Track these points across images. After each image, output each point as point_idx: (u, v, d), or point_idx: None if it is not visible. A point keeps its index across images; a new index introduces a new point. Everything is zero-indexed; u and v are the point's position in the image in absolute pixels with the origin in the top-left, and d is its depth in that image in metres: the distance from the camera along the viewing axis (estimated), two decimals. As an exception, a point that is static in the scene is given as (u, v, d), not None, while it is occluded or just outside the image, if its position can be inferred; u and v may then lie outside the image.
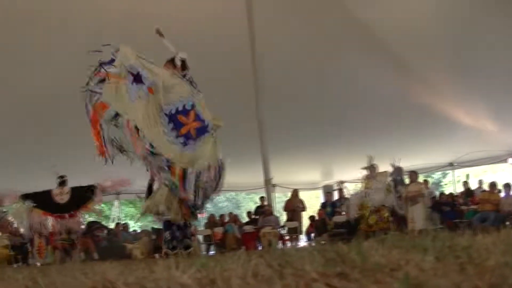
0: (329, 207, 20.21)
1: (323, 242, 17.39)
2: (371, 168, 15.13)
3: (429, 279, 1.68)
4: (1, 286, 2.38)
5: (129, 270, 2.79)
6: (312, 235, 20.27)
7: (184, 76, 7.72)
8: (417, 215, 14.96)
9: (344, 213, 18.32)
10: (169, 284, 1.74)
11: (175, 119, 7.54)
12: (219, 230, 19.05)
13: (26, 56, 16.25)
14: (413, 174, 16.13)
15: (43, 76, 16.41)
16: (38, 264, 15.06)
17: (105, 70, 7.53)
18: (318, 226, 19.86)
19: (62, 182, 13.78)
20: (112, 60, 7.61)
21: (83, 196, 13.70)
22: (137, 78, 7.46)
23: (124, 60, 7.56)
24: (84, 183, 13.82)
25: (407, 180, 16.18)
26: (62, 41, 16.10)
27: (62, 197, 13.73)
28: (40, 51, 16.20)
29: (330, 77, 18.94)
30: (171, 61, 7.68)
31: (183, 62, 7.76)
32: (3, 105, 16.77)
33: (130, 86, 7.43)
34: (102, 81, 7.52)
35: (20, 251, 17.16)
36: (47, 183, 14.45)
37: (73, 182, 14.03)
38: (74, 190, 13.80)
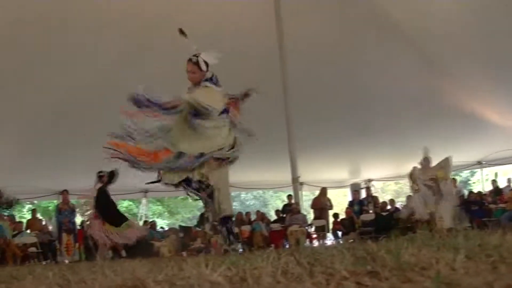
0: (357, 205, 20.17)
1: (351, 240, 17.38)
2: (426, 160, 14.81)
3: (461, 278, 1.67)
4: (33, 283, 2.39)
5: (158, 268, 2.79)
6: (339, 233, 20.22)
7: (206, 79, 7.57)
8: (445, 214, 14.84)
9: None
10: (199, 282, 1.74)
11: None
12: (246, 228, 19.04)
13: (61, 57, 16.40)
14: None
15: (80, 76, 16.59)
16: (66, 261, 15.17)
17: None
18: (345, 224, 19.81)
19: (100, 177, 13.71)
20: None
21: None
22: None
23: None
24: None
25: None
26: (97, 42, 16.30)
27: None
28: (74, 52, 16.37)
29: (358, 74, 18.92)
30: (196, 64, 7.52)
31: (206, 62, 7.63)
32: (40, 105, 16.94)
33: None
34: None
35: (48, 248, 17.28)
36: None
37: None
38: None
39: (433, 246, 2.51)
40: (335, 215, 20.79)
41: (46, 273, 3.09)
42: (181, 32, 7.51)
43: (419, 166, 14.49)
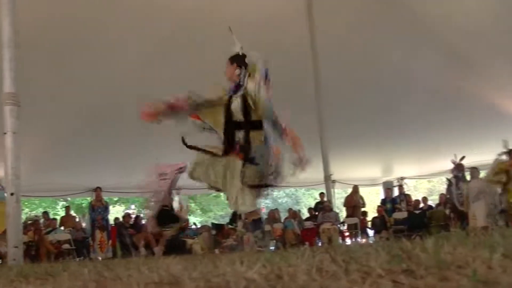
0: (389, 203, 20.09)
1: (385, 237, 17.30)
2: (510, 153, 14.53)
3: (499, 276, 1.66)
4: (69, 280, 2.41)
5: (192, 265, 2.80)
6: (371, 231, 20.17)
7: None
8: (479, 212, 14.72)
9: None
10: (235, 279, 1.75)
11: None
12: (278, 226, 19.04)
13: (97, 56, 16.55)
14: (475, 170, 15.85)
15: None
16: (99, 258, 15.27)
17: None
18: (377, 223, 19.74)
19: None
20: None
21: None
22: None
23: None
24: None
25: (468, 177, 15.97)
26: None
27: None
28: (110, 52, 16.51)
29: (389, 72, 18.86)
30: (236, 59, 7.46)
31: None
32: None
33: None
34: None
35: (82, 245, 17.41)
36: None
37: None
38: None
39: (469, 245, 2.49)
40: (363, 213, 20.74)
41: (81, 270, 3.11)
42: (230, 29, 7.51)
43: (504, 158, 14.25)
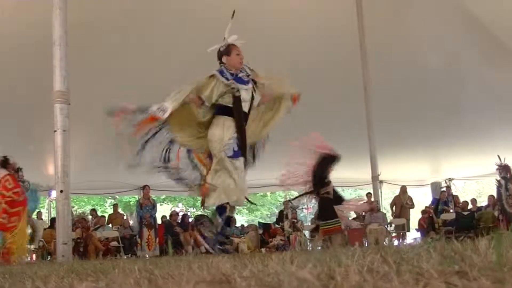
0: (441, 205, 19.91)
1: (433, 238, 17.16)
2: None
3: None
4: (121, 277, 2.43)
5: (241, 264, 2.80)
6: (419, 232, 20.04)
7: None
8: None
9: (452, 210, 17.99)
10: (287, 278, 1.75)
11: None
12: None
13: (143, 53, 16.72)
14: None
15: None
16: (147, 256, 15.37)
17: None
18: (425, 223, 19.60)
19: None
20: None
21: None
22: None
23: None
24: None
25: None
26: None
27: None
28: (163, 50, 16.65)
29: (437, 72, 18.69)
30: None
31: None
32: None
33: None
34: None
35: (129, 243, 17.56)
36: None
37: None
38: None
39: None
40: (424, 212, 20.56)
41: (131, 267, 3.14)
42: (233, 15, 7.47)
43: None
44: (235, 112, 7.05)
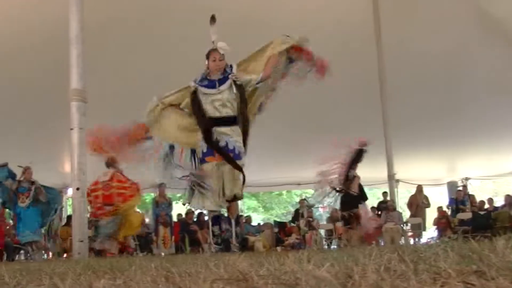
0: (454, 203, 19.86)
1: (450, 237, 17.11)
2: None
3: None
4: (138, 274, 2.44)
5: (258, 263, 2.80)
6: (436, 231, 19.99)
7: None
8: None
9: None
10: (305, 277, 1.74)
11: None
12: (339, 224, 18.98)
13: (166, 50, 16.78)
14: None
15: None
16: (162, 254, 15.40)
17: None
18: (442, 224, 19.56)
19: None
20: None
21: None
22: None
23: None
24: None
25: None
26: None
27: None
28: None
29: (454, 71, 18.64)
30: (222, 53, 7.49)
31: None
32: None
33: None
34: None
35: (145, 240, 17.57)
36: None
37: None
38: None
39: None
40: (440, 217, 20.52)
41: (147, 265, 3.14)
42: (213, 18, 7.56)
43: None
44: (194, 114, 7.38)
